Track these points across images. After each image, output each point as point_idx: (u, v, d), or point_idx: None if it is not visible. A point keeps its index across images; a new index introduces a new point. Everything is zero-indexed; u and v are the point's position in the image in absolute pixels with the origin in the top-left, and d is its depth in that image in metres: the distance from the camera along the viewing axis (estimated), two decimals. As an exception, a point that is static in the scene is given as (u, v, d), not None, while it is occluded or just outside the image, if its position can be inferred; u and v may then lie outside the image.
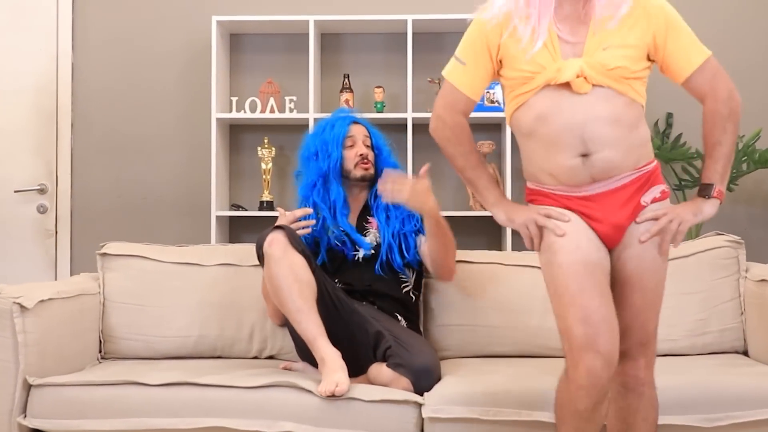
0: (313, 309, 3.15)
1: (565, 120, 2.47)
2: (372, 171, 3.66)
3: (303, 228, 3.43)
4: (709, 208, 2.50)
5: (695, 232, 4.38)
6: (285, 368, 3.42)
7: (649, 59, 2.53)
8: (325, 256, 3.57)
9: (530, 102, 2.53)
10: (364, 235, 3.59)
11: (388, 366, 3.10)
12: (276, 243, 3.19)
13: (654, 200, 2.52)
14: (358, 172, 3.63)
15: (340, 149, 3.63)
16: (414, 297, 3.62)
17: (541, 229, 2.52)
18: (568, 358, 2.48)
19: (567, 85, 2.45)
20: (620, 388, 2.58)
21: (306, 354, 3.35)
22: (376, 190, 3.51)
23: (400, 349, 3.13)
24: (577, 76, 2.44)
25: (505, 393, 2.98)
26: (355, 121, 3.74)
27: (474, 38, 2.65)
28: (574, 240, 2.49)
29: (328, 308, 3.25)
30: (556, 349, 3.53)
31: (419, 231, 3.57)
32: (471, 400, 2.96)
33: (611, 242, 2.55)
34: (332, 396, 2.92)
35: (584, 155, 2.47)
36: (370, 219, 3.63)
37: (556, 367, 3.22)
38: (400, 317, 3.49)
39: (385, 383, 3.07)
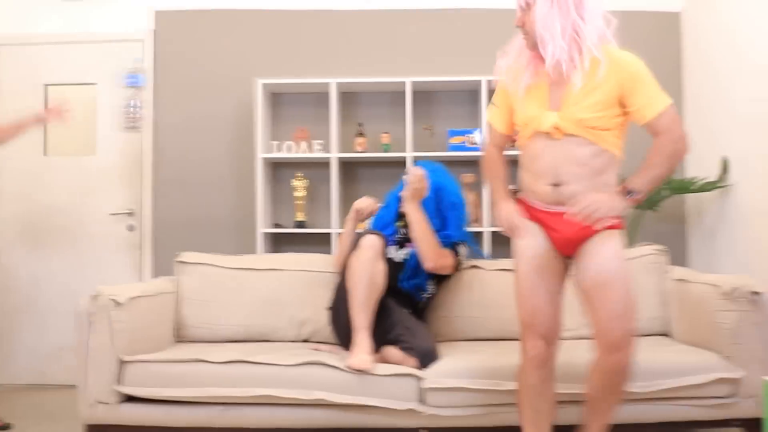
0: (371, 308, 3.11)
1: (545, 160, 2.50)
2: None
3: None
4: (622, 206, 2.40)
5: (631, 244, 4.39)
6: (314, 349, 3.40)
7: (621, 107, 2.46)
8: None
9: (527, 144, 2.57)
10: (401, 248, 3.49)
11: (399, 348, 3.09)
12: (374, 246, 3.16)
13: (610, 227, 2.48)
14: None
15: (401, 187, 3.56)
16: (428, 299, 3.54)
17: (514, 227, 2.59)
18: (521, 341, 2.59)
19: (548, 133, 2.48)
20: (607, 370, 2.46)
21: (340, 336, 3.33)
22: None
23: (409, 336, 3.12)
24: (554, 127, 2.46)
25: (486, 368, 2.96)
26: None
27: (500, 85, 2.68)
28: (530, 250, 2.57)
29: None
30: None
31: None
32: (460, 374, 2.95)
33: (566, 251, 2.57)
34: (359, 371, 2.93)
35: (555, 185, 2.49)
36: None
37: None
38: (409, 310, 3.42)
39: (398, 362, 3.06)
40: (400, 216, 3.56)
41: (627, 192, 2.42)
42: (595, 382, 2.53)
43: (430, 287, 3.51)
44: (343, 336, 3.31)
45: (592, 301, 2.47)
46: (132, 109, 3.33)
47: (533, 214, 2.60)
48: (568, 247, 2.56)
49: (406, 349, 3.07)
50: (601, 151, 2.47)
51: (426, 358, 3.04)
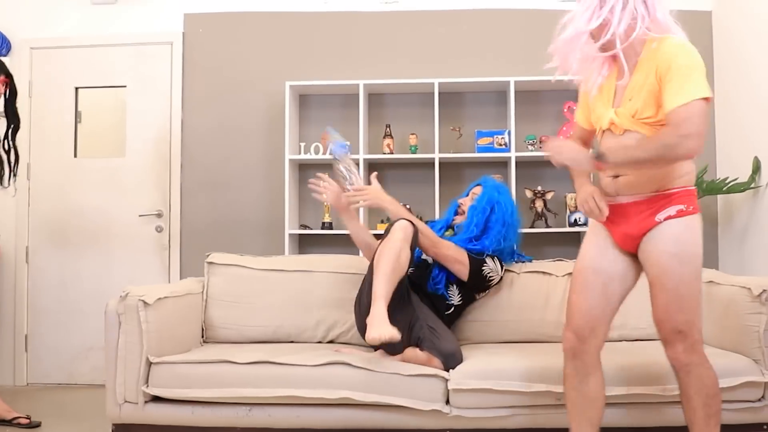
0: (393, 283, 3.09)
1: None
2: (458, 220, 3.64)
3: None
4: (582, 162, 2.46)
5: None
6: (336, 351, 3.37)
7: None
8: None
9: (600, 142, 2.59)
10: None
11: (422, 350, 3.08)
12: (404, 230, 3.18)
13: (668, 218, 2.43)
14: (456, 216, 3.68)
15: (462, 197, 3.71)
16: (452, 309, 3.53)
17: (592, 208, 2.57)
18: None
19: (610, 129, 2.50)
20: (673, 369, 2.51)
21: (361, 323, 3.33)
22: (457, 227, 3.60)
23: (433, 337, 3.12)
24: (611, 124, 2.48)
25: (512, 369, 2.97)
26: (478, 184, 3.70)
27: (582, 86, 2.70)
28: (586, 251, 2.61)
29: (401, 296, 3.23)
30: (551, 335, 3.56)
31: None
32: (486, 375, 2.96)
33: (626, 247, 2.55)
34: (383, 343, 2.91)
35: (615, 176, 2.51)
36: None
37: (549, 350, 3.25)
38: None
39: (422, 363, 3.05)
40: (450, 226, 3.63)
41: (595, 154, 2.42)
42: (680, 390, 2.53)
43: (454, 297, 3.50)
44: (363, 323, 3.31)
45: (651, 298, 2.48)
46: (348, 176, 3.43)
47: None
48: (627, 242, 2.54)
49: (430, 349, 3.07)
50: None
51: (450, 359, 3.04)
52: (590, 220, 2.68)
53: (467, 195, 3.68)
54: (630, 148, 2.39)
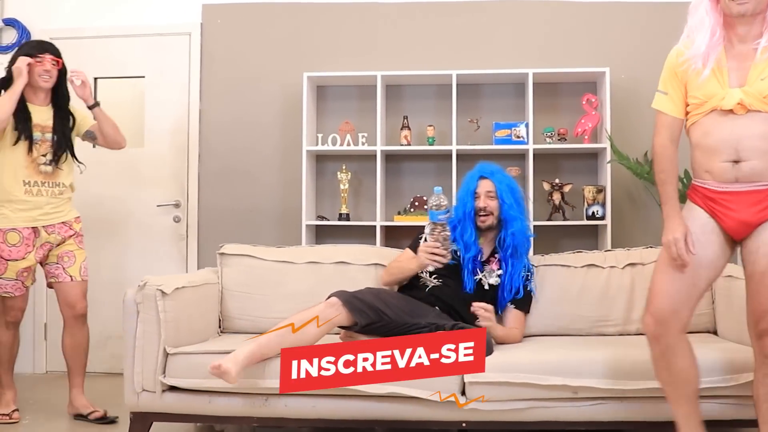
0: (277, 344, 2.94)
1: (722, 135, 2.45)
2: (489, 221, 3.46)
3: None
4: None
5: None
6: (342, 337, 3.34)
7: None
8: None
9: (700, 121, 2.52)
10: (487, 271, 3.45)
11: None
12: (326, 313, 3.09)
13: None
14: (479, 222, 3.47)
15: (472, 201, 3.48)
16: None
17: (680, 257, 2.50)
18: None
19: (729, 109, 2.44)
20: (764, 359, 2.47)
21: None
22: (502, 239, 3.44)
23: (469, 327, 3.12)
24: (738, 104, 2.41)
25: (528, 362, 2.97)
26: (483, 176, 3.53)
27: (668, 73, 2.62)
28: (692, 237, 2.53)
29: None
30: (568, 328, 3.56)
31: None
32: (502, 368, 2.95)
33: (737, 235, 2.51)
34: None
35: (735, 161, 2.45)
36: (494, 259, 3.48)
37: (566, 342, 3.25)
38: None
39: None
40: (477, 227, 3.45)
41: None
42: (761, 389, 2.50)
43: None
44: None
45: (758, 287, 2.44)
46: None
47: (706, 195, 2.55)
48: (741, 229, 2.49)
49: None
50: None
51: (487, 347, 3.02)
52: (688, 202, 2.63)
53: (474, 191, 3.50)
54: None
